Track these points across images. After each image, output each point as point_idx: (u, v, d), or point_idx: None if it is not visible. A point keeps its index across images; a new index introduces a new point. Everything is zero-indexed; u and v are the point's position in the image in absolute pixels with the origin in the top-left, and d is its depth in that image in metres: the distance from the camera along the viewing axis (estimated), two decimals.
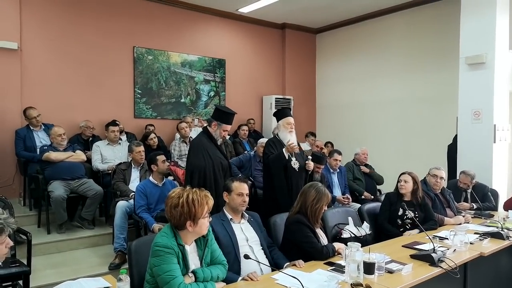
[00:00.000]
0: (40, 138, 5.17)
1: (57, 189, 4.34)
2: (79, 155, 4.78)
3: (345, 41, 8.12)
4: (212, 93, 7.50)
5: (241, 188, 2.67)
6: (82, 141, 5.68)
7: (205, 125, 6.54)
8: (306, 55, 8.64)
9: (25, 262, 3.14)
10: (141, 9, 6.62)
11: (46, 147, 4.69)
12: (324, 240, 2.86)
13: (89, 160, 5.12)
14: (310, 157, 4.02)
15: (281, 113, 4.11)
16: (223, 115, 3.59)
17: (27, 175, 5.09)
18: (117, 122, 5.65)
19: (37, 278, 3.46)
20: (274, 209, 3.59)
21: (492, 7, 4.87)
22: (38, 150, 4.93)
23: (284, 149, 3.81)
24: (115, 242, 4.03)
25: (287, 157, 3.80)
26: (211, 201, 2.14)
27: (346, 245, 2.84)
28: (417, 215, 3.46)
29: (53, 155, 4.55)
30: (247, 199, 2.67)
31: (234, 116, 3.67)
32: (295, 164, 3.89)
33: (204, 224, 2.13)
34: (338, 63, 8.29)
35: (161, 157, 4.05)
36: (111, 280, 2.34)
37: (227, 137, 6.33)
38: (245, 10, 7.29)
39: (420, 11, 6.79)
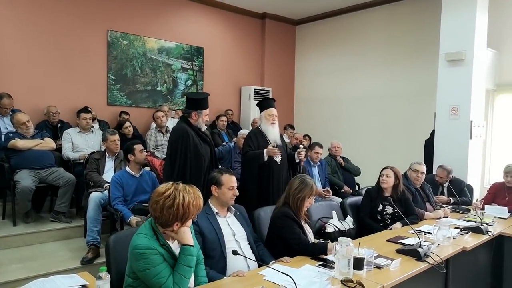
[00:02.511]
0: (6, 124, 4.84)
1: (25, 179, 4.07)
2: (48, 143, 4.51)
3: (324, 34, 8.08)
4: (189, 82, 7.28)
5: (232, 181, 2.55)
6: (50, 127, 5.37)
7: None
8: (286, 46, 8.54)
9: None
10: None
11: (11, 134, 4.38)
12: (310, 235, 2.80)
13: (58, 149, 4.85)
14: (301, 146, 3.95)
15: (263, 104, 4.00)
16: (198, 102, 3.42)
17: None
18: (89, 109, 5.38)
19: (3, 274, 3.24)
20: (244, 203, 3.53)
21: (472, 5, 4.92)
22: (3, 136, 4.61)
23: (265, 151, 3.71)
24: (88, 235, 3.81)
25: (265, 159, 3.71)
26: (202, 201, 2.03)
27: (331, 239, 2.82)
28: (396, 210, 3.46)
29: (20, 143, 4.26)
30: (237, 192, 2.56)
31: (208, 97, 3.51)
32: (277, 157, 3.81)
33: (190, 223, 2.03)
34: (317, 56, 8.25)
35: (138, 147, 3.85)
36: (87, 277, 2.18)
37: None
38: None
39: (401, 6, 6.81)
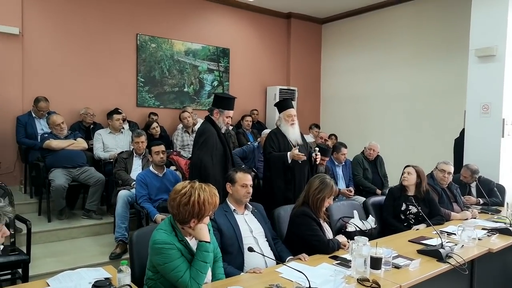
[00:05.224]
0: (42, 125, 5.10)
1: (58, 178, 4.28)
2: (80, 143, 4.71)
3: (351, 32, 7.99)
4: (215, 83, 7.40)
5: (245, 179, 2.60)
6: (84, 128, 5.62)
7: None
8: (312, 45, 8.51)
9: (24, 250, 3.09)
10: None
11: (46, 135, 4.62)
12: (329, 233, 2.80)
13: (90, 149, 5.07)
14: (317, 148, 3.93)
15: (282, 105, 4.02)
16: (223, 101, 3.51)
17: (28, 163, 5.04)
18: (119, 110, 5.58)
19: (37, 267, 3.42)
20: (272, 202, 3.54)
21: None
22: (39, 137, 4.87)
23: (289, 154, 3.72)
24: (116, 232, 3.98)
25: (289, 162, 3.72)
26: (218, 199, 2.09)
27: (351, 239, 2.81)
28: (420, 210, 3.39)
29: (54, 143, 4.48)
30: (251, 190, 2.61)
31: (235, 101, 3.57)
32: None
33: (207, 220, 2.09)
34: (343, 54, 8.17)
35: (154, 148, 3.94)
36: (112, 270, 2.28)
37: (230, 127, 6.28)
38: None
39: (429, 1, 6.64)
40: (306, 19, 8.32)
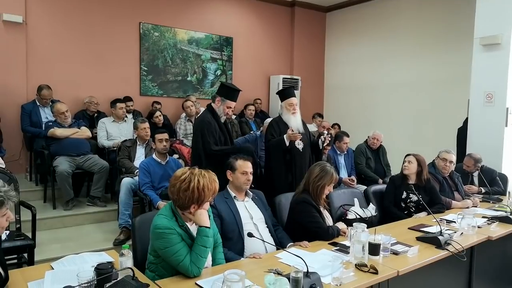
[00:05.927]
0: (46, 114, 5.15)
1: (62, 164, 4.34)
2: (84, 132, 4.76)
3: (355, 20, 7.92)
4: (218, 72, 7.39)
5: (245, 166, 2.63)
6: (88, 116, 5.66)
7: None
8: (315, 34, 8.45)
9: (30, 236, 3.15)
10: None
11: (51, 123, 4.66)
12: (329, 220, 2.83)
13: (94, 137, 5.12)
14: (325, 132, 3.94)
15: (283, 94, 4.02)
16: (227, 90, 3.52)
17: (33, 150, 5.10)
18: (130, 98, 5.69)
19: (42, 252, 3.49)
20: (273, 189, 3.57)
21: None
22: (43, 125, 4.92)
23: (285, 136, 3.73)
24: (120, 218, 4.04)
25: (287, 144, 3.73)
26: (217, 185, 2.12)
27: (351, 226, 2.84)
28: (421, 198, 3.40)
29: (58, 132, 4.53)
30: (251, 177, 2.64)
31: (239, 93, 3.58)
32: (299, 144, 3.82)
33: (206, 205, 2.12)
34: (348, 43, 8.11)
35: (158, 136, 3.98)
36: (115, 255, 2.33)
37: (233, 116, 6.29)
38: None
39: None
40: (310, 7, 8.25)
